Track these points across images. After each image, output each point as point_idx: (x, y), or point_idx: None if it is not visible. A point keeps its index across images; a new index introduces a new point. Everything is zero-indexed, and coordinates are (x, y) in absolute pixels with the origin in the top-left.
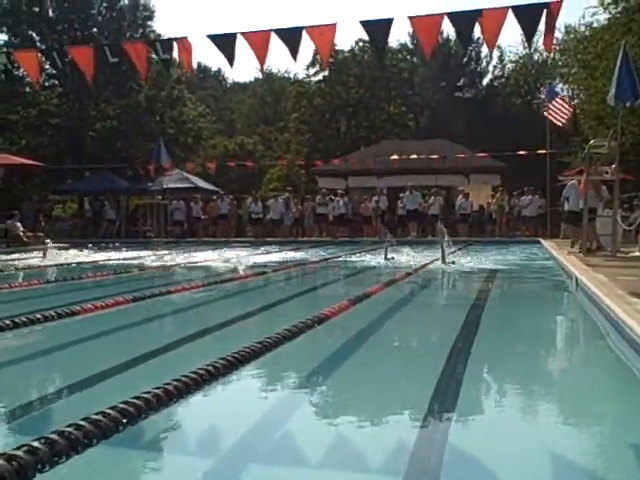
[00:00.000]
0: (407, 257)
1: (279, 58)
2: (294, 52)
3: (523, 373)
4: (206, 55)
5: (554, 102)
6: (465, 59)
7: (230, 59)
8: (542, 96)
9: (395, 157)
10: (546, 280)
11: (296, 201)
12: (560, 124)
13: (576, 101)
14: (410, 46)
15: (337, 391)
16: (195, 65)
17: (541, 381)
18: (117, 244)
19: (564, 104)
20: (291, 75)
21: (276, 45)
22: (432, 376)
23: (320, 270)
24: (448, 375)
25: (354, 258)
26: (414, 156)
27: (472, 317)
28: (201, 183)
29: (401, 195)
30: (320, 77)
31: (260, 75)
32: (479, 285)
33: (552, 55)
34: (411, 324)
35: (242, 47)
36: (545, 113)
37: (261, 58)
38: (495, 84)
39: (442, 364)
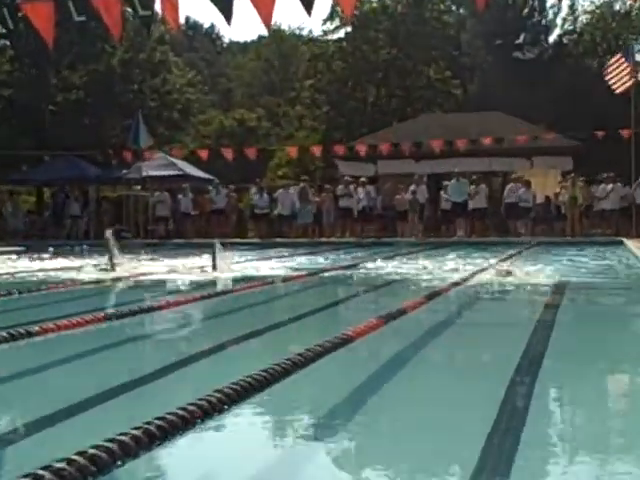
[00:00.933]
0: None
1: (290, 11)
2: (308, 5)
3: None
4: (196, 8)
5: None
6: (526, 10)
7: (227, 14)
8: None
9: (437, 135)
10: (631, 295)
11: (313, 191)
12: (618, 91)
13: None
14: None
15: None
16: (182, 21)
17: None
18: (85, 246)
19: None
20: (304, 32)
21: None
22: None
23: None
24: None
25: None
26: (462, 134)
27: (534, 353)
28: (191, 170)
29: (445, 184)
30: (341, 34)
31: (265, 33)
32: (540, 305)
33: (638, 4)
34: (459, 351)
35: None
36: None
37: (266, 15)
38: (564, 41)
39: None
